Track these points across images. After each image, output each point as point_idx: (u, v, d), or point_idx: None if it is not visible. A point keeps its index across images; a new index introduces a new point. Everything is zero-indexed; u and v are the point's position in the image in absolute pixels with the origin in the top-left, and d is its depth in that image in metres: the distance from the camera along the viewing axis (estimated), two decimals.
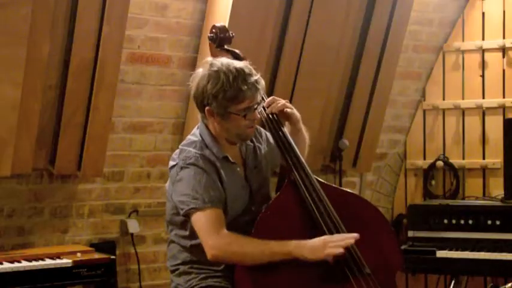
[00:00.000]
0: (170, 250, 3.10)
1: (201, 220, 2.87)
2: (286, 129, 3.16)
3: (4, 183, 4.21)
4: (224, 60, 2.95)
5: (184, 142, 3.04)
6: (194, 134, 3.05)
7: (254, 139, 3.15)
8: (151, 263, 4.80)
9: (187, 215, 2.91)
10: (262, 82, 2.96)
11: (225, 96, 2.88)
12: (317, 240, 2.84)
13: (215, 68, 2.91)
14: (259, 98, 2.96)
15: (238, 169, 3.03)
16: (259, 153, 3.13)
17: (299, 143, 3.17)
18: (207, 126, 3.02)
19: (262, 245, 2.83)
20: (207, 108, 2.94)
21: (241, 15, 4.51)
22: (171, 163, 3.02)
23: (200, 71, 2.96)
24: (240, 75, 2.88)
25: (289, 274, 2.86)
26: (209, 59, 3.00)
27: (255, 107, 2.95)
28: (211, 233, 2.85)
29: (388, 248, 3.10)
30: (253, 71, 2.93)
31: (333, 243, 2.82)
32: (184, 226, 2.99)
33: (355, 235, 2.86)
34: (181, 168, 2.94)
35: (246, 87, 2.88)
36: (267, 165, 3.16)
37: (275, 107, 3.12)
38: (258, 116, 3.03)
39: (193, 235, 2.95)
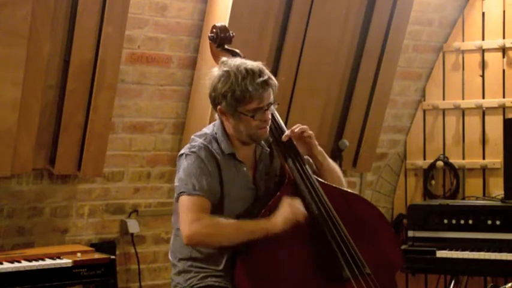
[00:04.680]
0: (173, 245, 3.10)
1: (185, 205, 2.87)
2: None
3: (4, 183, 4.21)
4: (237, 61, 2.96)
5: (197, 133, 3.07)
6: (209, 127, 3.07)
7: (274, 148, 3.13)
8: (151, 263, 4.80)
9: (177, 199, 2.92)
10: (275, 82, 2.96)
11: (233, 96, 2.89)
12: (284, 210, 2.87)
13: (226, 68, 2.92)
14: (270, 99, 2.94)
15: (244, 169, 3.02)
16: (275, 161, 3.11)
17: (330, 178, 3.14)
18: (222, 123, 3.03)
19: (237, 225, 2.84)
20: (218, 107, 2.96)
21: (241, 15, 4.51)
22: (180, 152, 3.03)
23: (215, 70, 2.98)
24: (249, 75, 2.89)
25: (289, 276, 2.85)
26: (224, 58, 3.01)
27: (265, 108, 2.94)
28: (192, 221, 2.83)
29: (388, 248, 3.11)
30: (265, 71, 2.94)
31: (296, 208, 2.87)
32: None
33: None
34: (186, 156, 2.97)
35: (253, 87, 2.88)
36: None
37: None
38: (269, 117, 2.99)
39: None
